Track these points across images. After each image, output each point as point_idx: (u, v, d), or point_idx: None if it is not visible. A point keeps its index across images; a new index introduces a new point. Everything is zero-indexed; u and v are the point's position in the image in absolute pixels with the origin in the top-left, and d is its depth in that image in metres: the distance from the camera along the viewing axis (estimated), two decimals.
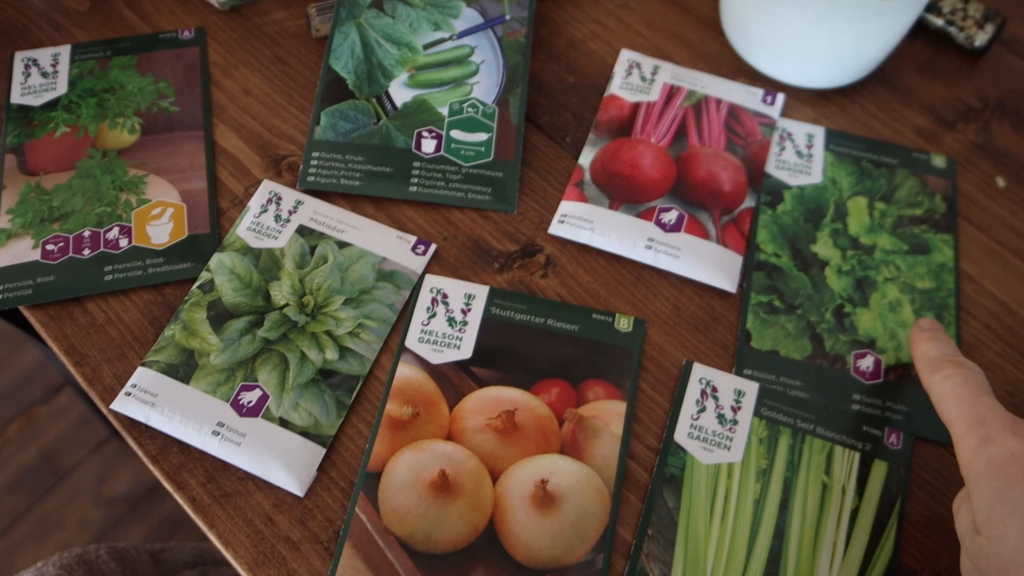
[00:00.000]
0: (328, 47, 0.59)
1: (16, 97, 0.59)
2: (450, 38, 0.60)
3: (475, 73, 0.59)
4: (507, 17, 0.60)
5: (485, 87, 0.58)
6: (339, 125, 0.56)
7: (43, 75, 0.59)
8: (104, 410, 0.49)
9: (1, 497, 1.41)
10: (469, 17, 0.60)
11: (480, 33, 0.60)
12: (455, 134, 0.57)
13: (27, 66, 0.60)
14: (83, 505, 1.42)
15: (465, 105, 0.57)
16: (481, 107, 0.57)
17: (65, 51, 0.61)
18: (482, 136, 0.57)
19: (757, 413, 0.50)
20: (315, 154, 0.56)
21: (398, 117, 0.57)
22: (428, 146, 0.56)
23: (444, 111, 0.57)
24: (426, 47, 0.59)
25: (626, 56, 0.63)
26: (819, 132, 0.61)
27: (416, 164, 0.56)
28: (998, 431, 0.40)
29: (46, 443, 1.46)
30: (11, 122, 0.57)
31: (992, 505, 0.38)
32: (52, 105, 0.58)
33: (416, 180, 0.55)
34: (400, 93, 0.58)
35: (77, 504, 1.42)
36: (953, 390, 0.43)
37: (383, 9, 0.60)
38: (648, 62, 0.62)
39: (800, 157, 0.59)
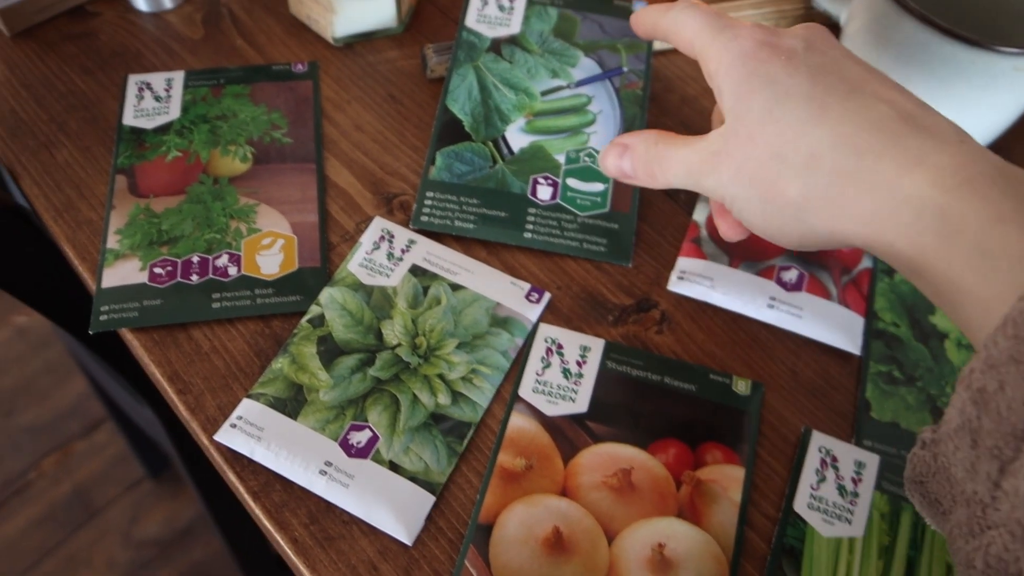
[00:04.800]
0: (445, 88, 0.58)
1: (129, 119, 0.58)
2: (568, 86, 0.59)
3: (592, 123, 0.58)
4: (625, 69, 0.60)
5: (602, 137, 0.57)
6: (455, 166, 0.55)
7: (156, 99, 0.59)
8: (206, 440, 0.47)
9: (31, 531, 1.39)
10: (587, 67, 0.60)
11: (597, 83, 0.59)
12: (571, 182, 0.55)
13: (140, 89, 0.59)
14: (112, 545, 1.39)
15: (582, 154, 0.56)
16: (598, 157, 0.56)
17: (179, 76, 0.60)
18: (598, 186, 0.55)
19: (878, 487, 0.48)
20: (429, 194, 0.55)
21: (514, 162, 0.56)
22: (544, 193, 0.55)
23: (560, 159, 0.56)
24: (543, 93, 0.58)
25: None
26: None
27: (531, 210, 0.54)
28: (745, 29, 0.41)
29: (80, 479, 1.44)
30: (123, 143, 0.57)
31: (740, 86, 0.39)
32: (164, 129, 0.58)
33: (531, 227, 0.54)
34: (517, 138, 0.57)
35: (106, 543, 1.39)
36: (691, 16, 0.43)
37: (501, 54, 0.60)
38: None
39: None
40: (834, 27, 0.62)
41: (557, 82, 0.59)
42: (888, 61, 0.56)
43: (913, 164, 0.34)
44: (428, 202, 0.54)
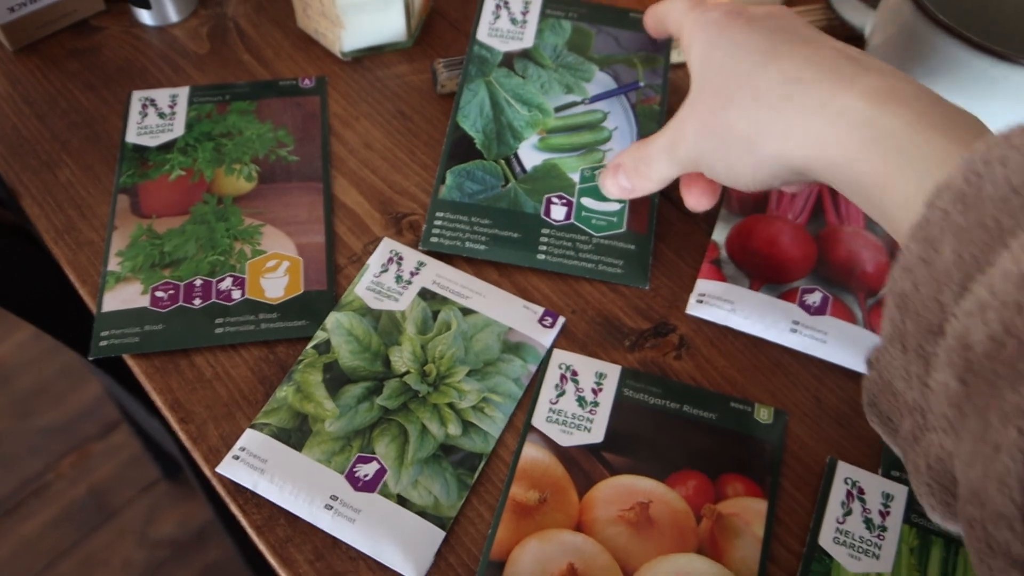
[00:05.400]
0: (456, 104, 0.57)
1: (132, 136, 0.57)
2: (582, 102, 0.57)
3: (608, 140, 0.56)
4: (641, 84, 0.58)
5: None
6: (465, 185, 0.54)
7: (160, 116, 0.58)
8: (208, 473, 0.46)
9: (48, 532, 1.39)
10: (602, 81, 0.58)
11: (613, 99, 0.57)
12: (586, 202, 0.54)
13: (144, 106, 0.58)
14: (128, 546, 1.39)
15: (597, 172, 0.55)
16: (599, 184, 0.54)
17: (183, 93, 0.59)
18: (614, 206, 0.54)
19: (907, 520, 0.46)
20: (439, 214, 0.53)
21: (527, 181, 0.54)
22: (558, 213, 0.53)
23: (575, 177, 0.55)
24: (557, 110, 0.57)
25: None
26: None
27: (545, 231, 0.53)
28: (716, 4, 0.45)
29: (97, 480, 1.44)
30: (125, 161, 0.56)
31: (705, 50, 0.44)
32: (168, 147, 0.56)
33: (545, 248, 0.52)
34: (530, 156, 0.55)
35: (122, 544, 1.39)
36: (677, 1, 0.49)
37: (513, 68, 0.58)
38: None
39: None
40: (859, 39, 0.60)
41: (571, 98, 0.57)
42: (914, 74, 0.54)
43: (846, 85, 0.38)
44: (438, 222, 0.53)
